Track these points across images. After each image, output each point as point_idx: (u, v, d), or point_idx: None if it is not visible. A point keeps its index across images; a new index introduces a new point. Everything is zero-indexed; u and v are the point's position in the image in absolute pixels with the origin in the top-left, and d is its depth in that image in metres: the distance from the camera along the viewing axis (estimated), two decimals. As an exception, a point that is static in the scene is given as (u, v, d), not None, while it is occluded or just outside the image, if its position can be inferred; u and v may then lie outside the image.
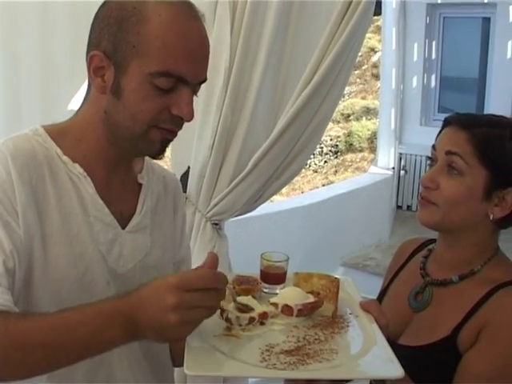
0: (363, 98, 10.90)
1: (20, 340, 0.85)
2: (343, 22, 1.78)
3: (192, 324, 0.89)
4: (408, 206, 6.73)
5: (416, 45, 6.69)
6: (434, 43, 6.82)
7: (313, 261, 4.38)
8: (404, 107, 6.68)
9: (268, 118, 1.93)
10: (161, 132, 1.02)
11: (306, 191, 8.77)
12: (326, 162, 10.12)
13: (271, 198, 2.36)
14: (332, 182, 8.65)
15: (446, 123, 1.25)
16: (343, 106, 10.49)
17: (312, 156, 9.44)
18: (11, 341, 0.85)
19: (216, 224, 1.98)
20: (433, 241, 1.36)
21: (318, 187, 8.74)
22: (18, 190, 0.97)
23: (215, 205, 1.94)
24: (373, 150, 8.97)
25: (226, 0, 1.80)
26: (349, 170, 9.62)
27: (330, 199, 5.13)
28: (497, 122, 1.22)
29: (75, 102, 1.70)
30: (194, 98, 1.03)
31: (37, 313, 0.94)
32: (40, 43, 1.87)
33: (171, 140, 1.05)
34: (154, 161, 1.17)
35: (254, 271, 1.20)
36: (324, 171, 9.97)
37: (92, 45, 1.01)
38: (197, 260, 1.91)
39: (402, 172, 6.65)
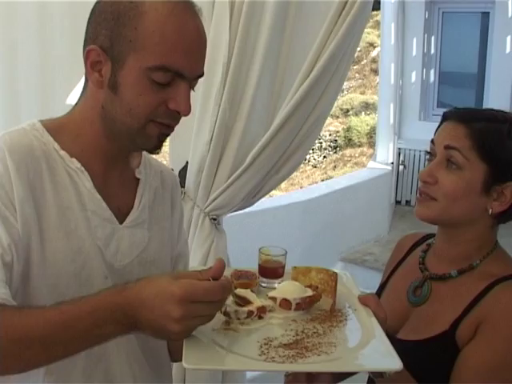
0: (362, 93, 10.89)
1: (16, 334, 0.85)
2: (342, 15, 1.77)
3: (192, 329, 0.90)
4: (407, 201, 6.73)
5: (415, 40, 6.69)
6: (432, 38, 6.82)
7: (312, 256, 4.39)
8: (403, 102, 6.69)
9: (266, 112, 1.92)
10: (158, 126, 1.02)
11: (304, 186, 8.78)
12: (325, 157, 10.13)
13: (270, 193, 2.35)
14: (331, 177, 8.65)
15: (445, 118, 1.25)
16: (342, 101, 10.49)
17: (311, 151, 9.44)
18: (7, 334, 0.85)
19: (214, 219, 1.98)
20: (432, 235, 1.36)
21: (316, 182, 8.74)
22: (15, 185, 0.97)
23: (213, 200, 1.94)
24: (372, 145, 8.97)
25: (224, -6, 1.80)
26: (348, 165, 9.62)
27: (329, 194, 5.13)
28: (496, 116, 1.21)
29: (73, 97, 1.70)
30: (192, 93, 1.03)
31: (34, 306, 0.94)
32: (38, 37, 1.86)
33: (168, 135, 1.05)
34: (152, 156, 1.17)
35: (253, 266, 1.20)
36: (323, 166, 9.98)
37: (89, 39, 1.01)
38: (195, 255, 1.93)
39: (401, 167, 6.65)
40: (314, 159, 10.09)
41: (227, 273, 1.03)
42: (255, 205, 2.13)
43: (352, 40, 1.85)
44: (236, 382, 2.05)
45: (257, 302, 1.03)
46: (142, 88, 0.98)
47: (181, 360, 0.89)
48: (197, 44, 1.00)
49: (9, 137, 1.02)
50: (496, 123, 1.20)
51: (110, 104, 1.01)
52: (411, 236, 1.43)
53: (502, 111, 1.24)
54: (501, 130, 1.18)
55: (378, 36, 8.15)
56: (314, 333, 1.00)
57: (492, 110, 1.25)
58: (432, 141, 1.25)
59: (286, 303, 1.06)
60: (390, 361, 0.92)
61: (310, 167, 9.98)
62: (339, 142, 10.13)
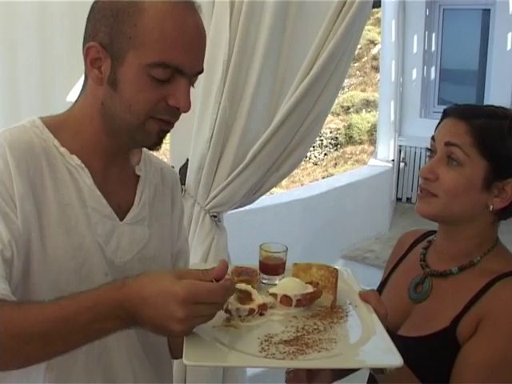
0: (363, 91, 10.88)
1: (16, 329, 0.85)
2: (340, 15, 1.78)
3: (193, 328, 0.90)
4: (408, 198, 6.72)
5: (416, 37, 6.67)
6: (433, 35, 6.80)
7: (312, 253, 4.39)
8: (404, 99, 6.67)
9: (266, 110, 1.92)
10: (158, 123, 1.02)
11: (305, 184, 8.77)
12: (325, 154, 10.12)
13: (271, 191, 2.35)
14: (332, 175, 8.65)
15: (445, 114, 1.25)
16: (343, 98, 10.48)
17: (312, 148, 9.44)
18: (7, 329, 0.85)
19: (215, 216, 1.98)
20: (433, 232, 1.36)
21: (317, 180, 8.73)
22: (15, 181, 0.97)
23: (214, 197, 1.94)
24: (372, 142, 8.97)
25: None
26: (348, 162, 9.62)
27: (330, 192, 5.13)
28: (496, 112, 1.21)
29: (73, 94, 1.70)
30: (192, 90, 1.03)
31: (33, 301, 0.94)
32: (38, 37, 1.86)
33: (168, 131, 1.05)
34: (152, 153, 1.17)
35: (254, 264, 1.20)
36: (324, 164, 9.97)
37: (88, 36, 1.01)
38: (195, 252, 1.93)
39: (402, 164, 6.64)
40: (315, 156, 10.08)
41: (228, 270, 1.03)
42: (256, 202, 2.13)
43: (351, 39, 1.85)
44: (237, 381, 2.05)
45: (258, 298, 1.03)
46: (141, 84, 0.98)
47: (181, 357, 0.89)
48: (196, 40, 1.00)
49: (9, 133, 1.02)
50: (496, 120, 1.19)
51: (109, 101, 1.01)
52: (412, 233, 1.43)
53: (503, 108, 1.24)
54: (501, 127, 1.18)
55: (379, 33, 8.13)
56: (315, 329, 1.00)
57: (492, 106, 1.25)
58: (432, 137, 1.24)
59: (286, 300, 1.06)
60: (390, 357, 0.92)
61: (311, 164, 9.98)
62: (340, 139, 10.12)
